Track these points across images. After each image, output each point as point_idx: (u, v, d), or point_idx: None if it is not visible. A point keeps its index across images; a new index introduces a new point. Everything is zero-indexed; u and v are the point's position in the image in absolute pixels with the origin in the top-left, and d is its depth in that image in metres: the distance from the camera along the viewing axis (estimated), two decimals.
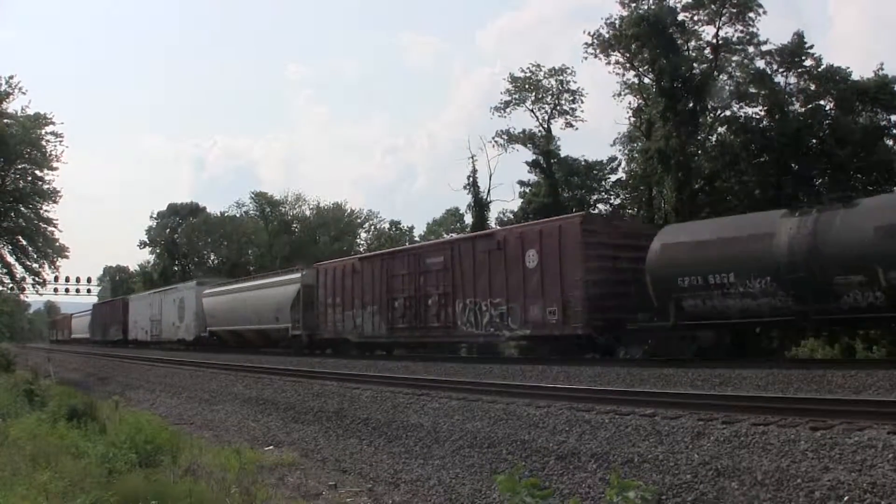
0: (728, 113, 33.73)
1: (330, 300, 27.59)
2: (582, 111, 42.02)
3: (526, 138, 41.40)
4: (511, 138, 41.65)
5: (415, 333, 23.36)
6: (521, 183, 42.75)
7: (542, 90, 41.25)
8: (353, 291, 26.06)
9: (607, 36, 34.92)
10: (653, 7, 33.11)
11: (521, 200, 42.11)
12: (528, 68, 41.38)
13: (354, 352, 26.32)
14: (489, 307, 20.13)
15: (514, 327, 19.45)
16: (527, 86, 41.16)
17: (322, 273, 28.61)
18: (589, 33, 35.81)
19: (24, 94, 36.68)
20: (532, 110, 41.78)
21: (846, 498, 6.30)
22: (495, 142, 42.13)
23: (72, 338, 75.53)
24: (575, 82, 41.62)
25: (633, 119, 38.12)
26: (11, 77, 36.12)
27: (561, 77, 40.93)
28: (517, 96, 41.50)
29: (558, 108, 41.59)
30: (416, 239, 65.16)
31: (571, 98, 41.37)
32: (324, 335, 28.13)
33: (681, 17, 33.18)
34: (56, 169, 37.13)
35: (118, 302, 59.51)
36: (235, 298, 35.75)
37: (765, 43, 32.52)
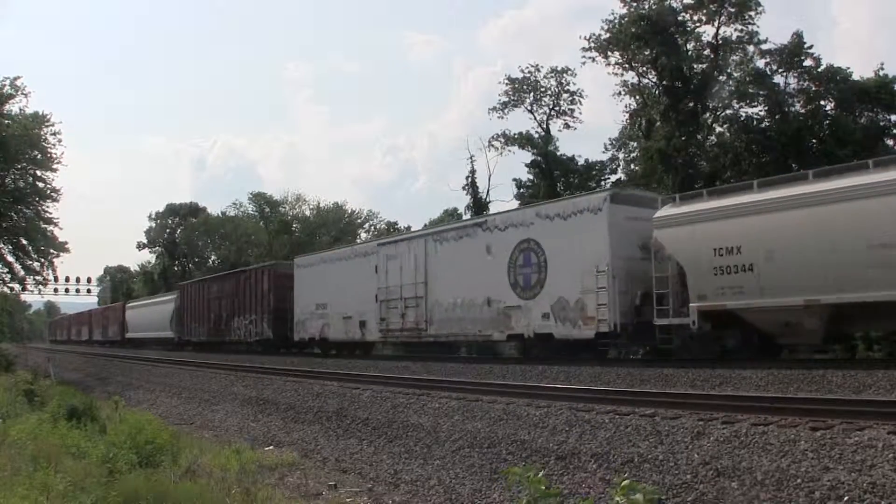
0: (729, 112, 33.80)
1: None
2: (580, 112, 41.99)
3: (524, 140, 41.38)
4: (508, 140, 41.65)
5: None
6: (518, 184, 42.75)
7: (540, 91, 41.29)
8: None
9: (606, 36, 34.92)
10: (654, 6, 33.15)
11: (519, 202, 42.15)
12: (527, 69, 41.45)
13: None
14: None
15: None
16: (525, 86, 41.17)
17: None
18: (586, 37, 35.86)
19: (25, 96, 36.43)
20: (530, 111, 41.84)
21: (846, 498, 6.30)
22: (492, 145, 42.10)
23: (127, 338, 53.78)
24: (574, 83, 41.67)
25: (629, 120, 38.13)
26: (17, 78, 36.01)
27: (560, 78, 41.00)
28: (515, 97, 41.53)
29: (557, 108, 41.65)
30: None
31: (570, 99, 41.44)
32: None
33: (680, 16, 33.26)
34: (56, 170, 37.09)
35: (255, 274, 33.00)
36: None
37: (764, 42, 32.62)
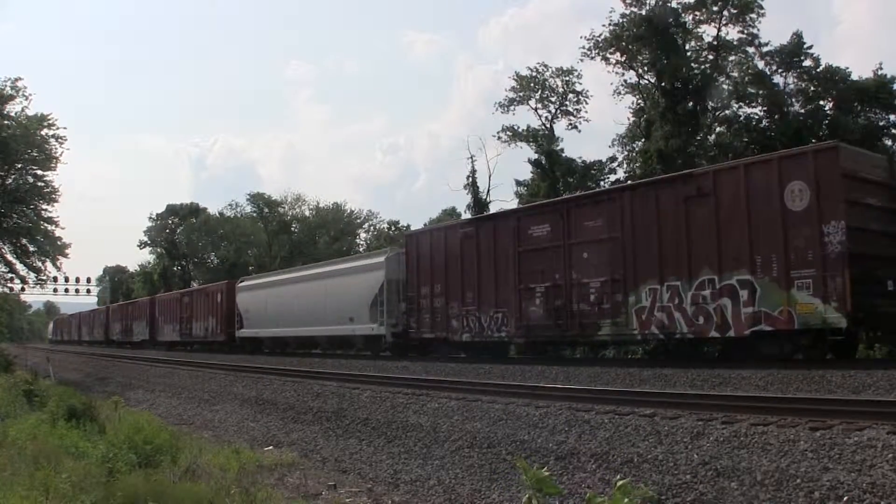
0: (728, 112, 33.79)
1: None
2: (586, 112, 41.90)
3: (529, 136, 41.33)
4: (515, 135, 41.60)
5: None
6: (518, 183, 42.65)
7: (546, 90, 41.20)
8: None
9: (608, 36, 34.86)
10: (654, 5, 33.13)
11: (518, 201, 42.05)
12: (535, 67, 41.34)
13: None
14: None
15: None
16: (532, 84, 41.10)
17: None
18: (586, 38, 35.82)
19: (26, 98, 36.35)
20: (535, 109, 41.78)
21: (846, 498, 6.30)
22: (499, 137, 41.96)
23: (240, 337, 33.94)
24: (580, 83, 41.56)
25: (632, 119, 38.08)
26: (17, 79, 35.94)
27: (567, 78, 40.91)
28: (521, 94, 41.45)
29: (562, 108, 41.57)
30: None
31: (576, 99, 41.35)
32: None
33: (681, 17, 33.24)
34: (55, 169, 37.02)
35: (735, 175, 14.31)
36: None
37: (766, 44, 32.62)
